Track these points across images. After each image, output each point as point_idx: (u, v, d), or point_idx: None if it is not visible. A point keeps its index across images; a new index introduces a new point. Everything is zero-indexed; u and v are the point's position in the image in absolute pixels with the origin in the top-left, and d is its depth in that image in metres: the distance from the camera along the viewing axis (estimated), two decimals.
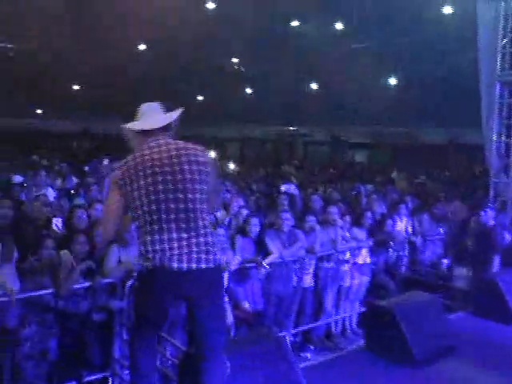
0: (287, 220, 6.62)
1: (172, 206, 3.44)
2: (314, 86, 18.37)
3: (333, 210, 7.21)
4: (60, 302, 5.07)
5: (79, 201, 7.55)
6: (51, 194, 7.96)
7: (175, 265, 3.39)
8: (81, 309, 5.21)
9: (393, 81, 16.49)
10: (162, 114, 3.76)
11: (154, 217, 3.45)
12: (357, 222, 7.41)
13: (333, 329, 7.26)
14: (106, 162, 12.76)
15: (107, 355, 5.26)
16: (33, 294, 4.93)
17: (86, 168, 13.41)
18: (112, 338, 5.22)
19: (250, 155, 27.40)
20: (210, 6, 14.11)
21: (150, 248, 3.45)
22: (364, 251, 7.32)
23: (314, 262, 6.84)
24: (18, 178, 8.93)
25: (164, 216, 3.45)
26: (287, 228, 6.61)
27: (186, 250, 3.42)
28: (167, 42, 15.20)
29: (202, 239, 3.47)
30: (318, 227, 6.83)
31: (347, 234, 7.17)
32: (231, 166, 13.57)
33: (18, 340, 4.94)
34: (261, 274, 6.31)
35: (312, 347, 6.92)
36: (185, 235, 3.45)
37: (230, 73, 18.01)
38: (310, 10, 13.26)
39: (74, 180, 10.27)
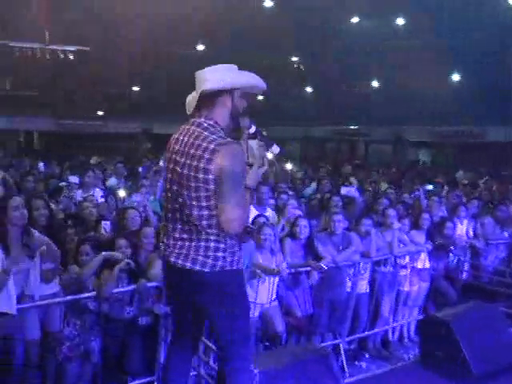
0: (339, 222, 6.34)
1: (177, 206, 3.37)
2: (375, 83, 17.98)
3: (390, 212, 6.92)
4: (104, 305, 5.02)
5: (131, 201, 7.52)
6: (99, 193, 7.92)
7: (172, 260, 3.38)
8: (125, 314, 5.14)
9: (456, 77, 15.95)
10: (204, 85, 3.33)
11: (168, 214, 3.48)
12: (415, 225, 7.08)
13: (389, 336, 6.95)
14: (161, 162, 12.74)
15: (152, 360, 5.18)
16: (74, 297, 4.89)
17: (140, 169, 13.46)
18: (157, 342, 5.14)
19: (311, 155, 27.14)
20: (268, 4, 13.90)
21: (162, 240, 3.51)
22: (423, 255, 6.97)
23: (369, 266, 6.56)
24: (73, 179, 8.93)
25: (170, 215, 3.44)
26: (340, 231, 6.34)
27: (185, 251, 3.34)
28: (225, 42, 15.12)
29: (202, 243, 3.30)
30: (373, 230, 6.55)
31: (405, 238, 6.87)
32: (289, 166, 13.30)
33: (59, 340, 4.90)
34: (313, 279, 6.09)
35: (367, 355, 6.65)
36: (186, 236, 3.35)
37: (289, 71, 17.79)
38: (371, 5, 12.92)
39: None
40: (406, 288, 6.90)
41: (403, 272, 6.83)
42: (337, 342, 6.31)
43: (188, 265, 3.30)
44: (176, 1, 13.09)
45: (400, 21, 13.45)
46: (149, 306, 5.20)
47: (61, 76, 16.21)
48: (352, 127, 25.38)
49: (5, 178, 7.06)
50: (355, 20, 14.28)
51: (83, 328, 5.00)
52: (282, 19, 13.98)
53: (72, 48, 14.08)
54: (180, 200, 3.30)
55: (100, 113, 23.74)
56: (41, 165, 12.62)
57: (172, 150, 3.39)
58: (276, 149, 3.43)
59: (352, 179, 12.16)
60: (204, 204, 3.23)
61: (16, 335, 4.70)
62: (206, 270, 3.27)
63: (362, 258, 6.39)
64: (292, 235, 6.18)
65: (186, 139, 3.32)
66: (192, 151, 3.24)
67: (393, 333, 7.01)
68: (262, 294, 5.72)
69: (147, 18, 13.58)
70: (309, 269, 5.99)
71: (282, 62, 17.18)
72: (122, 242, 5.18)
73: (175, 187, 3.33)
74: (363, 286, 6.53)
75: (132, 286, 5.10)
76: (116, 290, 5.03)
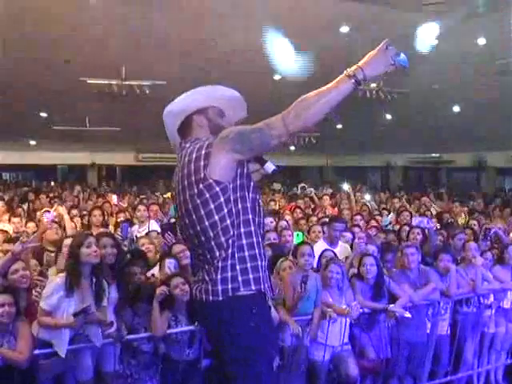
0: (413, 255, 5.86)
1: (187, 233, 3.10)
2: (456, 108, 17.28)
3: (472, 246, 6.40)
4: (161, 345, 4.80)
5: None
6: (154, 226, 7.72)
7: (195, 294, 3.12)
8: (185, 357, 4.89)
9: None
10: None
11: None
12: (499, 260, 6.51)
13: (474, 382, 6.36)
14: None
15: None
16: (129, 337, 4.69)
17: None
18: None
19: (393, 184, 26.50)
20: (344, 29, 13.56)
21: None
22: (510, 294, 6.39)
23: (450, 306, 6.04)
24: None
25: (186, 241, 3.35)
26: (414, 265, 5.86)
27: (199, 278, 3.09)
28: (301, 70, 14.91)
29: (212, 268, 2.98)
30: (453, 267, 6.04)
31: (489, 274, 6.31)
32: (367, 197, 12.84)
33: (112, 378, 4.73)
34: (388, 320, 5.64)
35: None
36: (199, 263, 3.08)
37: (368, 98, 17.35)
38: (449, 26, 12.40)
39: None
40: (492, 330, 6.34)
41: (488, 312, 6.25)
42: None
43: (206, 297, 3.03)
44: (251, 32, 13.01)
45: (481, 41, 12.79)
46: (209, 347, 4.92)
47: (138, 111, 16.44)
48: (434, 154, 24.57)
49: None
50: (435, 42, 13.76)
51: (138, 367, 4.79)
52: (359, 45, 13.64)
53: (148, 82, 14.21)
54: (191, 231, 3.03)
55: None
56: (114, 198, 12.64)
57: (173, 188, 3.22)
58: (270, 167, 3.07)
59: (432, 209, 11.59)
60: (216, 218, 2.93)
61: (68, 375, 4.58)
62: (219, 298, 2.96)
63: (442, 298, 5.89)
64: (359, 276, 5.76)
65: (177, 170, 3.09)
66: (186, 170, 2.98)
67: (478, 378, 6.41)
68: (333, 337, 5.34)
69: (221, 48, 13.59)
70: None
71: (361, 90, 16.74)
72: (178, 280, 4.88)
73: (183, 222, 3.10)
74: (444, 328, 6.02)
75: (190, 327, 4.84)
76: (173, 331, 4.81)
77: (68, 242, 5.14)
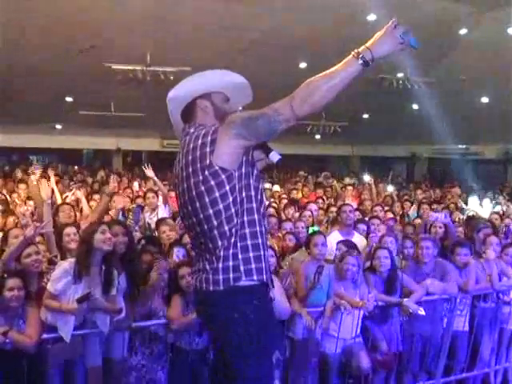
0: (428, 249, 5.73)
1: (189, 221, 3.02)
2: (484, 99, 16.98)
3: (493, 240, 6.25)
4: (169, 335, 4.75)
5: None
6: (162, 213, 7.66)
7: (195, 284, 3.09)
8: (194, 346, 4.83)
9: None
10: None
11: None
12: None
13: (491, 380, 6.21)
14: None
15: None
16: (143, 323, 4.66)
17: None
18: None
19: (418, 175, 26.19)
20: (371, 17, 13.39)
21: None
22: None
23: (468, 301, 5.90)
24: None
25: (188, 230, 3.20)
26: (428, 259, 5.74)
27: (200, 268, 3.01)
28: (326, 60, 14.72)
29: (214, 258, 2.92)
30: (472, 261, 5.90)
31: (510, 270, 6.14)
32: (390, 188, 12.65)
33: (125, 369, 4.68)
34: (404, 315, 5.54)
35: None
36: (200, 252, 3.03)
37: (395, 88, 17.14)
38: (478, 15, 12.17)
39: None
40: (511, 326, 6.19)
41: (506, 309, 6.09)
42: (431, 382, 5.76)
43: (205, 287, 2.98)
44: (276, 20, 12.90)
45: (511, 30, 12.51)
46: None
47: (163, 96, 16.43)
48: (460, 146, 24.15)
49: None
50: (463, 31, 13.48)
51: (150, 357, 4.75)
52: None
53: (172, 69, 14.15)
54: (194, 220, 2.96)
55: None
56: (135, 185, 12.54)
57: (175, 175, 3.11)
58: (275, 156, 2.99)
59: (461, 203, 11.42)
60: (221, 206, 2.86)
61: (77, 361, 4.56)
62: (220, 288, 2.91)
63: (459, 292, 5.73)
64: (372, 269, 5.63)
65: (180, 156, 3.00)
66: (190, 157, 2.90)
67: (495, 376, 6.27)
68: (345, 329, 5.25)
69: (246, 36, 13.51)
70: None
71: (388, 79, 16.55)
72: (185, 270, 4.77)
73: (185, 210, 3.02)
74: (461, 323, 5.87)
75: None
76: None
77: (69, 230, 5.16)
